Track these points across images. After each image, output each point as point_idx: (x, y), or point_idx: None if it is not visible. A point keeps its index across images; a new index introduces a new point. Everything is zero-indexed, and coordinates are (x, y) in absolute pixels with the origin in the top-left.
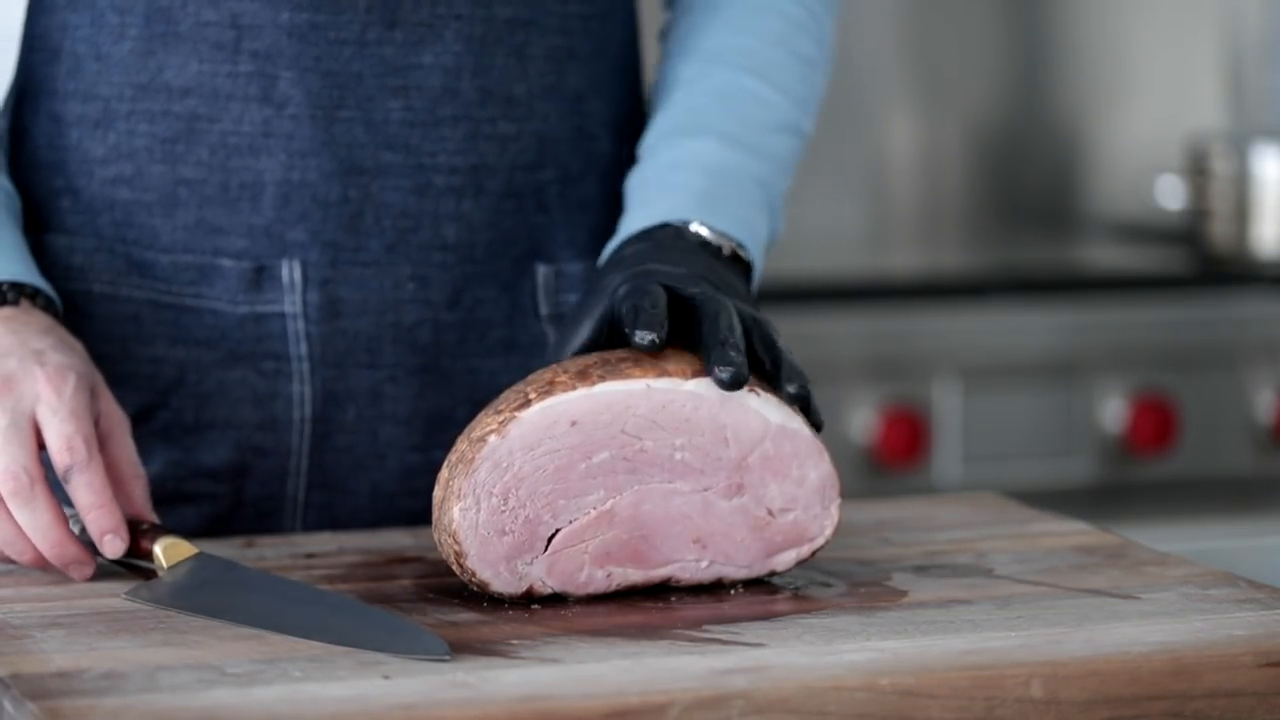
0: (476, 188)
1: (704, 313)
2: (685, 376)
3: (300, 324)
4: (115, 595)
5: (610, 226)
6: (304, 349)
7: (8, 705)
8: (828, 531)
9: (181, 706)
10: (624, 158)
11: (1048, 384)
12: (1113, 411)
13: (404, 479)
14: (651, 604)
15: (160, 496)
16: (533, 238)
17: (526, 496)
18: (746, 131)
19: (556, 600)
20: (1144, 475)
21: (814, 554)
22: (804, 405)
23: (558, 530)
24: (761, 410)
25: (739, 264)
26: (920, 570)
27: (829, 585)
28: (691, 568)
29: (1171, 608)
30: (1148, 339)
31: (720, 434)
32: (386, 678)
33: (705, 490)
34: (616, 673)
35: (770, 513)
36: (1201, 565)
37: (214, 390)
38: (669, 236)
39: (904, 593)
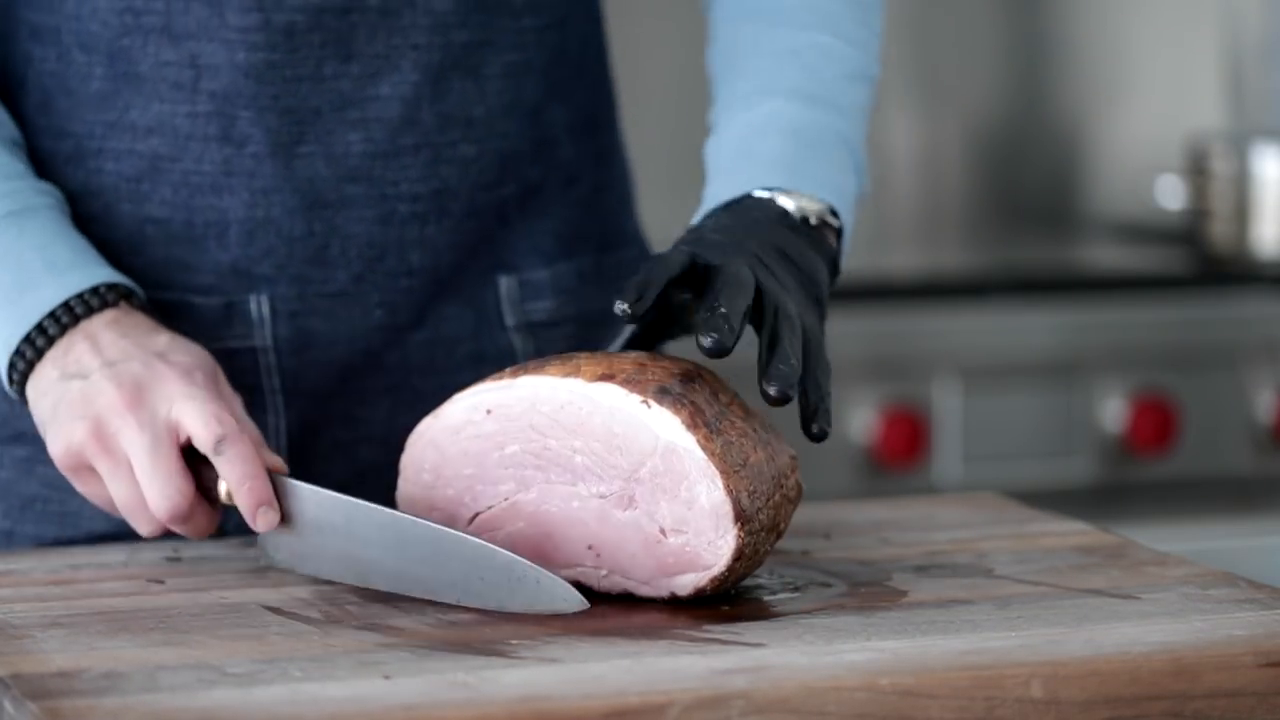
0: (440, 211)
1: (714, 280)
2: (591, 379)
3: (272, 358)
4: (115, 595)
5: (573, 228)
6: (277, 382)
7: (8, 705)
8: (723, 561)
9: (181, 706)
10: (586, 156)
11: (1048, 384)
12: (1113, 411)
13: (385, 501)
14: (652, 604)
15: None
16: (495, 251)
17: (451, 476)
18: (821, 87)
19: None
20: (1144, 475)
21: (717, 585)
22: (809, 413)
23: (476, 514)
24: (650, 424)
25: (826, 231)
26: (920, 570)
27: (829, 585)
28: (592, 575)
29: (1171, 608)
30: (1148, 339)
31: (612, 442)
32: (387, 678)
33: (601, 498)
34: (616, 673)
35: (662, 531)
36: (1201, 565)
37: None
38: (750, 208)
39: (904, 593)
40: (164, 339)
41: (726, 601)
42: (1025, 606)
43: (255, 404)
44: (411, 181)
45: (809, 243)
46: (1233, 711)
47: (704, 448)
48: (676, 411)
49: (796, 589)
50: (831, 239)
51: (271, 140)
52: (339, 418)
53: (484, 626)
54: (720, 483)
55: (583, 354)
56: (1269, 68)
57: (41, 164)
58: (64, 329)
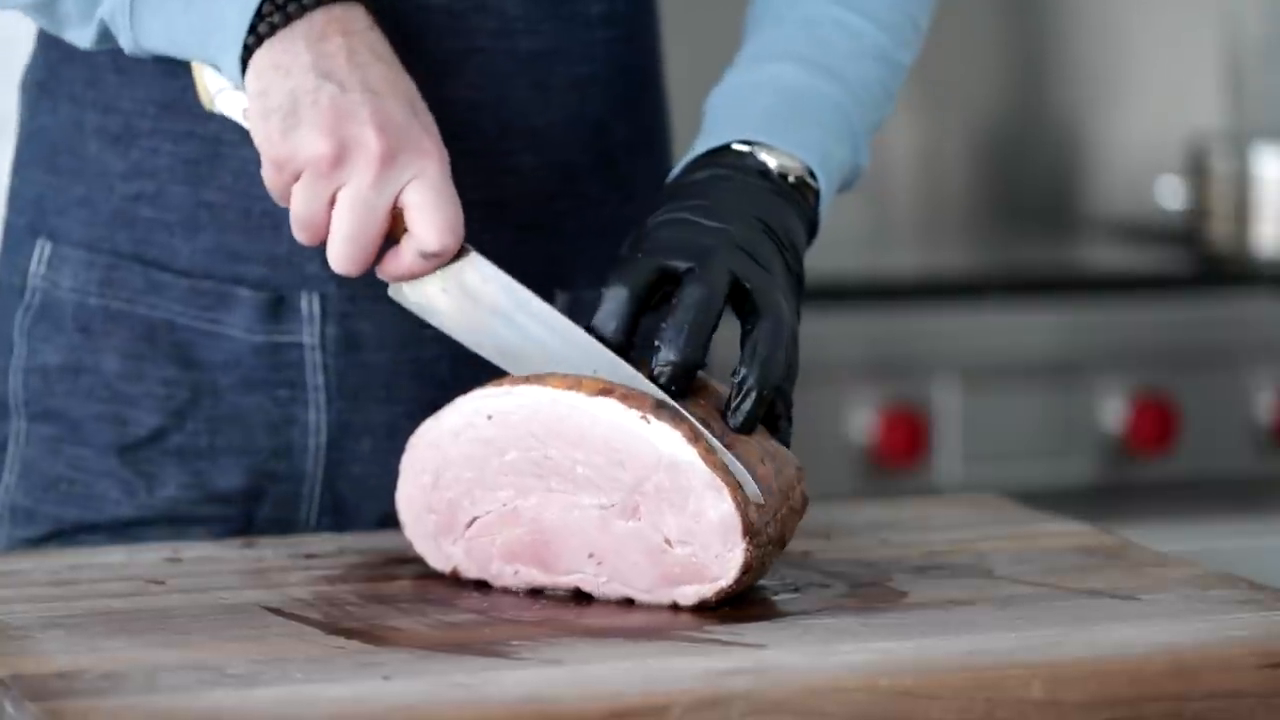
0: (496, 221)
1: (681, 295)
2: (592, 392)
3: (318, 355)
4: (115, 595)
5: None
6: (320, 379)
7: (8, 706)
8: (731, 574)
9: (181, 707)
10: (645, 175)
11: (1048, 384)
12: (1113, 411)
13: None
14: (653, 605)
15: (172, 518)
16: (550, 266)
17: (451, 479)
18: (828, 57)
19: (558, 600)
20: (1144, 475)
21: (722, 596)
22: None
23: (475, 518)
24: (652, 439)
25: (806, 191)
26: (920, 571)
27: (829, 585)
28: (593, 582)
29: (1171, 608)
30: (1148, 339)
31: (615, 456)
32: (386, 678)
33: (603, 508)
34: (617, 673)
35: (668, 542)
36: (1201, 566)
37: (228, 414)
38: (730, 163)
39: (904, 593)
40: (413, 85)
41: (726, 602)
42: (1025, 607)
43: (297, 400)
44: (469, 188)
45: (788, 202)
46: (1233, 712)
47: (706, 460)
48: (676, 426)
49: (796, 589)
50: (810, 199)
51: None
52: (379, 423)
53: (484, 627)
54: (728, 495)
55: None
56: (1269, 68)
57: (89, 138)
58: (318, 2)
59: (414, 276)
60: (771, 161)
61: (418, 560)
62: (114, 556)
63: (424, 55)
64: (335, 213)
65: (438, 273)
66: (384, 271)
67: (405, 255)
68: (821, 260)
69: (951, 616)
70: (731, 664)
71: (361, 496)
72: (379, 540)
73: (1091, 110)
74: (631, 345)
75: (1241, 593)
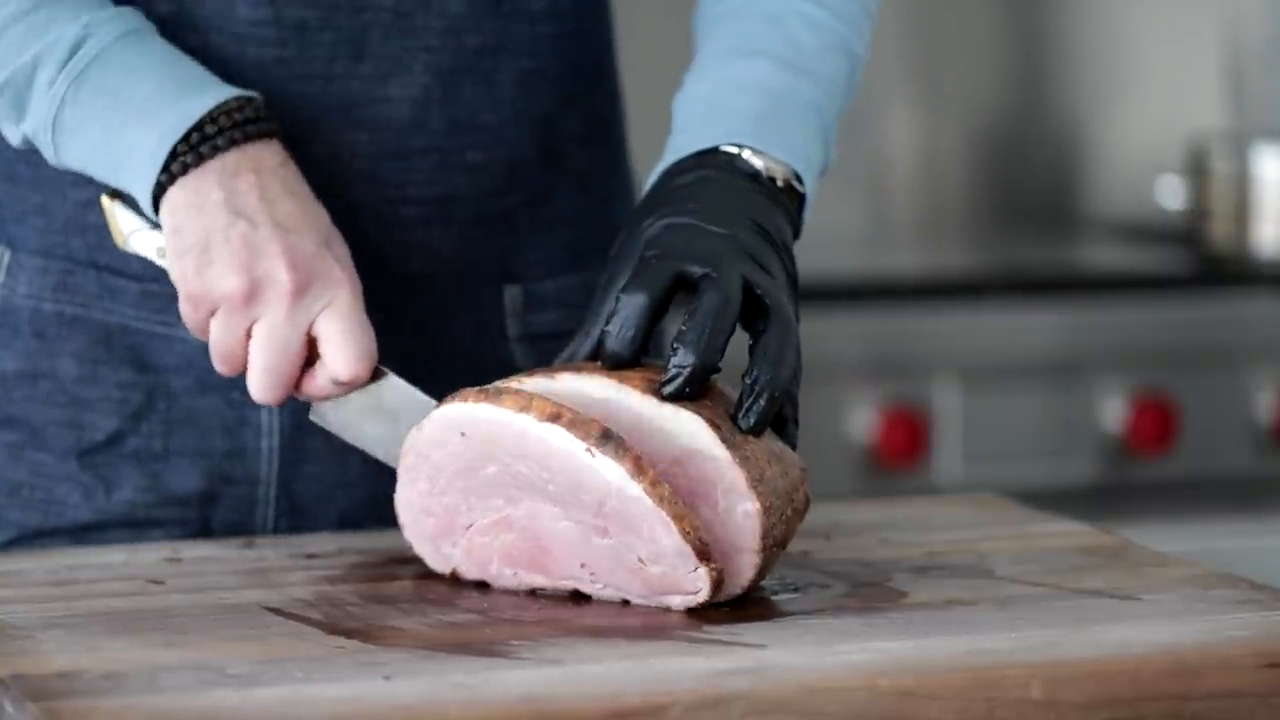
0: (445, 218)
1: (700, 298)
2: (541, 417)
3: None
4: (115, 595)
5: (583, 239)
6: None
7: (8, 706)
8: (703, 592)
9: (181, 707)
10: (597, 165)
11: (1048, 384)
12: (1113, 411)
13: (373, 507)
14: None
15: (128, 522)
16: (500, 260)
17: (445, 485)
18: (799, 54)
19: (558, 600)
20: (1144, 475)
21: (704, 604)
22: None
23: (472, 523)
24: (600, 470)
25: (791, 195)
26: (920, 571)
27: (829, 585)
28: (589, 587)
29: (1171, 609)
30: (1148, 339)
31: (573, 477)
32: (387, 678)
33: (580, 523)
34: (617, 673)
35: (640, 560)
36: (1201, 566)
37: (183, 417)
38: (720, 165)
39: (904, 593)
40: (325, 216)
41: (726, 602)
42: (1025, 607)
43: (249, 402)
44: (417, 185)
45: (776, 205)
46: (1232, 712)
47: (652, 495)
48: (620, 459)
49: (796, 589)
50: (795, 202)
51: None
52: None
53: (484, 627)
54: (674, 529)
55: (559, 371)
56: (1269, 68)
57: None
58: (231, 141)
59: (330, 398)
60: (760, 164)
61: (418, 560)
62: (114, 556)
63: (372, 54)
64: (252, 346)
65: (355, 394)
66: (302, 394)
67: (319, 380)
68: (821, 260)
69: (951, 616)
70: (731, 664)
71: (319, 497)
72: (379, 540)
73: (1091, 110)
74: (646, 350)
75: (1241, 593)
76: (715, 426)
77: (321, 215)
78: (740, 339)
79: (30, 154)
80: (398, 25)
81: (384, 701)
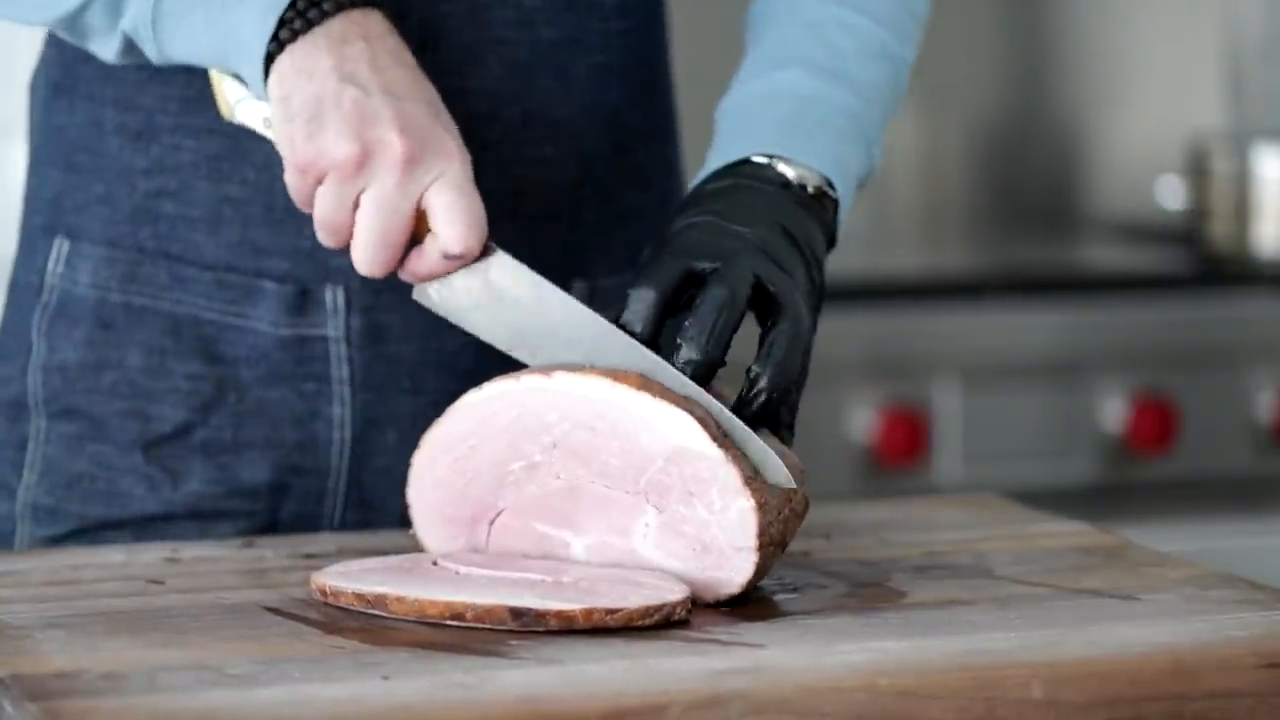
0: (515, 210)
1: (704, 293)
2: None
3: (342, 348)
4: (115, 595)
5: (645, 235)
6: (345, 373)
7: (8, 706)
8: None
9: (181, 707)
10: (658, 164)
11: (1048, 384)
12: (1113, 411)
13: None
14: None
15: (195, 514)
16: (569, 255)
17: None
18: (836, 60)
19: None
20: (1144, 475)
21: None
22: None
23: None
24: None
25: (825, 202)
26: (920, 571)
27: (828, 586)
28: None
29: (1171, 608)
30: (1148, 339)
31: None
32: (386, 678)
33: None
34: (616, 673)
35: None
36: (1201, 565)
37: (253, 409)
38: (750, 174)
39: (904, 593)
40: (433, 89)
41: (725, 602)
42: (1025, 607)
43: (321, 394)
44: (490, 178)
45: (809, 213)
46: (1232, 712)
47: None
48: (704, 425)
49: (796, 589)
50: (829, 209)
51: None
52: (404, 417)
53: (484, 628)
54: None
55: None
56: (1269, 68)
57: (109, 135)
58: (338, 6)
59: (438, 277)
60: (790, 173)
61: None
62: (114, 556)
63: (447, 46)
64: (359, 215)
65: (462, 272)
66: (408, 273)
67: (429, 256)
68: None
69: (951, 616)
70: (730, 664)
71: (387, 490)
72: (379, 540)
73: (1091, 110)
74: (656, 346)
75: (1241, 593)
76: (708, 425)
77: (430, 87)
78: (752, 338)
79: (91, 143)
80: (473, 18)
81: (383, 701)
